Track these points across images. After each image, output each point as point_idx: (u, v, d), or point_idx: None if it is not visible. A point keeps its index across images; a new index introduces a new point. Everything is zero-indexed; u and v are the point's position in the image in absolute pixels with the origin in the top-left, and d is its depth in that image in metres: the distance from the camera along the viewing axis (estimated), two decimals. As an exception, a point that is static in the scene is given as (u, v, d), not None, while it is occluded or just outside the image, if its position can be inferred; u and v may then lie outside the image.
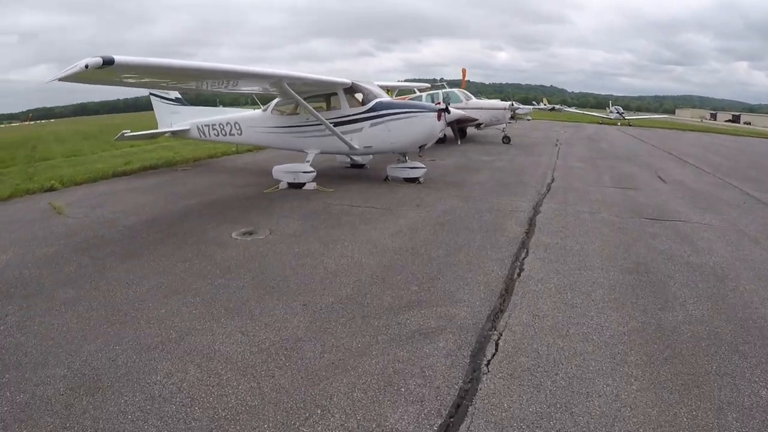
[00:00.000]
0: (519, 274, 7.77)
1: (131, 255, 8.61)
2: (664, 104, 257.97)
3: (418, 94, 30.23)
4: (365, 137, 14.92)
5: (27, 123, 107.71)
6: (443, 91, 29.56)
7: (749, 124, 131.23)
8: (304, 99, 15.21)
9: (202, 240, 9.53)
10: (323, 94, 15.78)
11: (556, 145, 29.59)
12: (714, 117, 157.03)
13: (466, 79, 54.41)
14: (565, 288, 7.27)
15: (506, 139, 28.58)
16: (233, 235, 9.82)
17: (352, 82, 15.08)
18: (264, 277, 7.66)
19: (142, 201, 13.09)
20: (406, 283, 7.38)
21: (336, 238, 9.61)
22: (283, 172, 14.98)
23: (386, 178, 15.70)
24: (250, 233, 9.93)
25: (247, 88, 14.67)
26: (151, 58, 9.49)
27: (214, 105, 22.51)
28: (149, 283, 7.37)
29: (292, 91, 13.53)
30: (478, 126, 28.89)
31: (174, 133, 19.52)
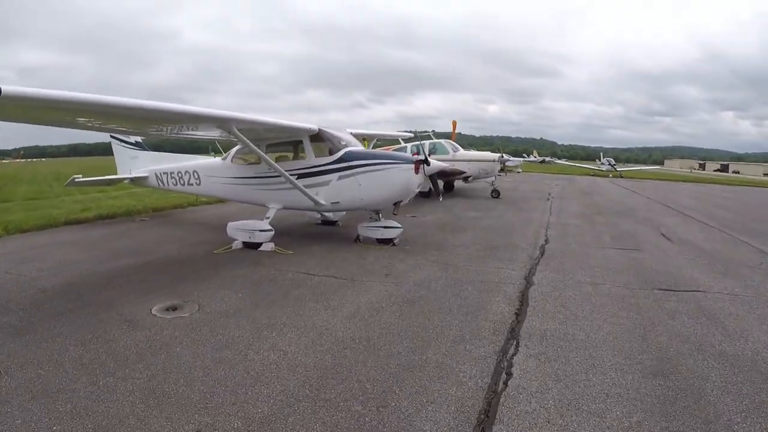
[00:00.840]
0: (506, 384, 5.64)
1: (24, 330, 7.07)
2: (653, 155, 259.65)
3: (402, 144, 28.44)
4: (332, 192, 13.06)
5: (17, 161, 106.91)
6: (429, 141, 27.77)
7: (738, 173, 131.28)
8: (267, 147, 13.61)
9: (114, 315, 7.65)
10: (287, 141, 13.93)
11: (548, 199, 27.76)
12: (703, 167, 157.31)
13: (456, 131, 53.20)
14: (569, 406, 5.17)
15: (495, 193, 26.70)
16: (153, 310, 7.89)
17: (319, 129, 13.23)
18: (164, 378, 5.63)
19: (75, 258, 11.48)
20: (348, 398, 5.26)
21: (275, 321, 7.55)
22: (238, 230, 13.04)
23: (357, 239, 13.71)
24: (174, 309, 7.99)
25: (198, 134, 12.71)
26: (46, 90, 7.58)
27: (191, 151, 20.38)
28: (23, 376, 5.61)
29: (244, 137, 11.66)
30: (465, 179, 27.06)
31: (133, 180, 17.85)
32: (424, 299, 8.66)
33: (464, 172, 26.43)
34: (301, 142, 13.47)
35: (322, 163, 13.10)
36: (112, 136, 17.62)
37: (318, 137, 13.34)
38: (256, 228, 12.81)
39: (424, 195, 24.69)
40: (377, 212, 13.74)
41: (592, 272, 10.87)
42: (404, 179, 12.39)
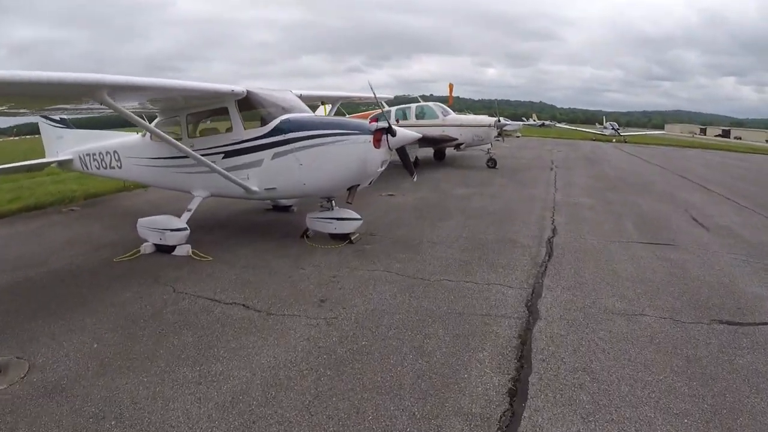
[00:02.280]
0: None
1: None
2: (653, 119, 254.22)
3: (386, 108, 24.77)
4: (266, 175, 9.77)
5: (11, 138, 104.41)
6: (416, 104, 24.14)
7: (739, 138, 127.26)
8: (188, 118, 10.43)
9: None
10: (211, 110, 10.57)
11: (552, 168, 24.22)
12: (704, 132, 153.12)
13: (453, 94, 49.41)
14: None
15: (491, 163, 23.17)
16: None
17: (248, 91, 9.74)
18: None
19: None
20: None
21: (107, 409, 4.33)
22: (148, 229, 9.78)
23: (305, 233, 10.45)
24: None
25: (71, 107, 9.31)
26: None
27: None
28: None
29: (122, 107, 8.16)
30: (457, 147, 23.52)
31: (60, 164, 14.37)
32: (363, 358, 5.37)
33: (456, 139, 22.90)
34: (227, 109, 9.93)
35: (252, 136, 9.75)
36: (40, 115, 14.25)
37: (248, 103, 9.94)
38: (168, 226, 9.55)
39: (438, 157, 21.36)
40: (329, 199, 10.28)
41: (623, 290, 7.56)
42: (359, 155, 9.08)
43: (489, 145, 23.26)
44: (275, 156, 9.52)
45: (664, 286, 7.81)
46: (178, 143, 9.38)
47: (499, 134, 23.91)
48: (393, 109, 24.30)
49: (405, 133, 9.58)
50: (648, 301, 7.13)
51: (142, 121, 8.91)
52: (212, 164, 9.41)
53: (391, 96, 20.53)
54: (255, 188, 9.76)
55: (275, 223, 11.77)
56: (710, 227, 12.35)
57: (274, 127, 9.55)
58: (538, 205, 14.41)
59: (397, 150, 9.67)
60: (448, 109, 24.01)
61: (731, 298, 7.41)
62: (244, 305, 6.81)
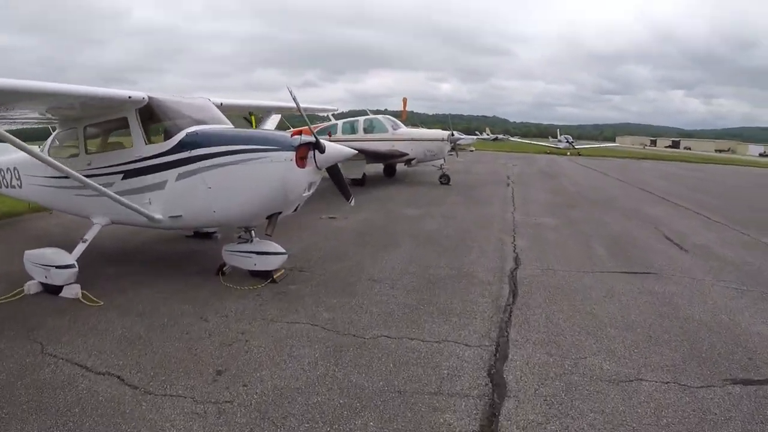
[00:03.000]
0: None
1: None
2: (604, 132, 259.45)
3: (333, 122, 23.11)
4: (171, 199, 7.97)
5: None
6: (365, 117, 22.51)
7: (689, 149, 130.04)
8: (86, 130, 8.71)
9: None
10: (110, 120, 8.63)
11: (508, 184, 22.89)
12: (654, 143, 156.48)
13: (407, 109, 48.03)
14: None
15: (444, 179, 21.64)
16: None
17: (149, 97, 7.89)
18: None
19: None
20: None
21: None
22: (34, 264, 7.77)
23: (221, 269, 8.58)
24: None
25: None
26: None
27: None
28: None
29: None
30: (408, 162, 21.88)
31: None
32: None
33: (406, 154, 21.32)
34: (124, 119, 8.15)
35: (153, 153, 7.95)
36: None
37: (150, 112, 8.17)
38: (54, 263, 7.56)
39: (357, 182, 19.60)
40: (247, 229, 8.49)
41: (609, 341, 6.05)
42: (278, 177, 7.40)
43: (442, 161, 21.75)
44: (180, 177, 7.73)
45: (657, 333, 6.30)
46: (53, 160, 7.55)
47: (453, 149, 22.42)
48: (340, 122, 22.71)
49: (336, 148, 7.85)
50: (642, 358, 5.58)
51: (6, 134, 6.97)
52: (101, 187, 7.60)
53: (336, 109, 18.70)
54: (158, 215, 7.96)
55: (191, 255, 9.88)
56: (687, 248, 11.13)
57: (179, 141, 7.76)
58: (497, 226, 12.88)
59: (327, 169, 7.93)
60: (399, 122, 22.49)
61: (738, 345, 6.02)
62: (119, 377, 4.99)
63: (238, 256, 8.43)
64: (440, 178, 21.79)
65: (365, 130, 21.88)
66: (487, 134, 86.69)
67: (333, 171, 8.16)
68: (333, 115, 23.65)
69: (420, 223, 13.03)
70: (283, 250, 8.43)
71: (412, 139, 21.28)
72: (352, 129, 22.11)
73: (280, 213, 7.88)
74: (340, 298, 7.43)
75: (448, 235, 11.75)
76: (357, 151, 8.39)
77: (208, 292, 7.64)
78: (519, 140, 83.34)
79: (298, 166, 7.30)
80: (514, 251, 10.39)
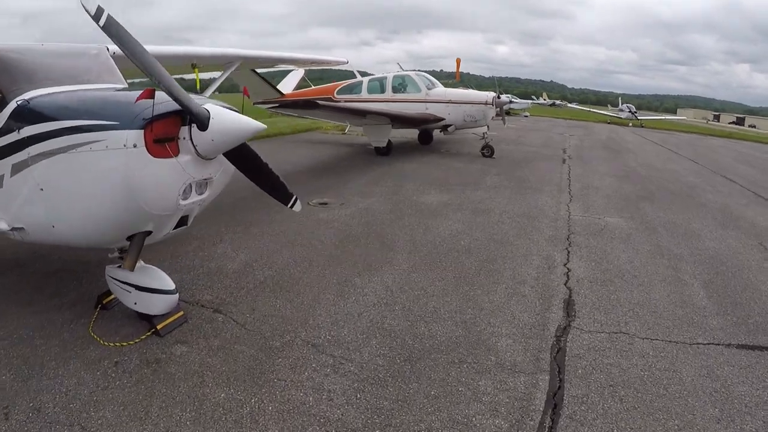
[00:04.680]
0: None
1: None
2: (665, 103, 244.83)
3: (358, 79, 19.06)
4: (9, 203, 4.64)
5: None
6: (394, 73, 18.32)
7: (754, 126, 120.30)
8: None
9: None
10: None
11: (564, 160, 18.37)
12: (717, 119, 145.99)
13: (460, 70, 43.71)
14: None
15: (487, 151, 17.38)
16: None
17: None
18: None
19: None
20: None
21: None
22: None
23: (100, 301, 5.21)
24: None
25: None
26: None
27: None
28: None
29: None
30: (444, 129, 17.67)
31: None
32: None
33: (442, 119, 17.15)
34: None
35: None
36: None
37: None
38: None
39: (380, 152, 15.66)
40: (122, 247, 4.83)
41: None
42: (120, 176, 3.97)
43: (485, 128, 17.43)
44: (14, 170, 4.45)
45: None
46: None
47: (499, 114, 18.03)
48: (366, 79, 18.70)
49: (233, 121, 3.99)
50: None
51: None
52: None
53: (346, 60, 14.34)
54: (3, 225, 4.63)
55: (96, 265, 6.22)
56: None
57: (10, 114, 4.46)
58: (545, 230, 8.79)
59: (231, 157, 4.11)
60: (435, 81, 18.16)
61: None
62: None
63: (117, 285, 4.97)
64: (482, 149, 17.58)
65: (394, 90, 17.79)
66: (544, 99, 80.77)
67: (243, 159, 4.33)
68: (358, 71, 19.63)
69: (437, 221, 9.04)
70: (172, 287, 4.90)
71: (450, 102, 17.05)
72: (381, 87, 18.04)
73: (146, 233, 4.14)
74: (237, 388, 3.88)
75: (470, 246, 7.74)
76: (265, 126, 4.33)
77: (59, 345, 4.45)
78: (577, 107, 77.20)
79: (154, 155, 3.51)
80: (565, 284, 6.38)
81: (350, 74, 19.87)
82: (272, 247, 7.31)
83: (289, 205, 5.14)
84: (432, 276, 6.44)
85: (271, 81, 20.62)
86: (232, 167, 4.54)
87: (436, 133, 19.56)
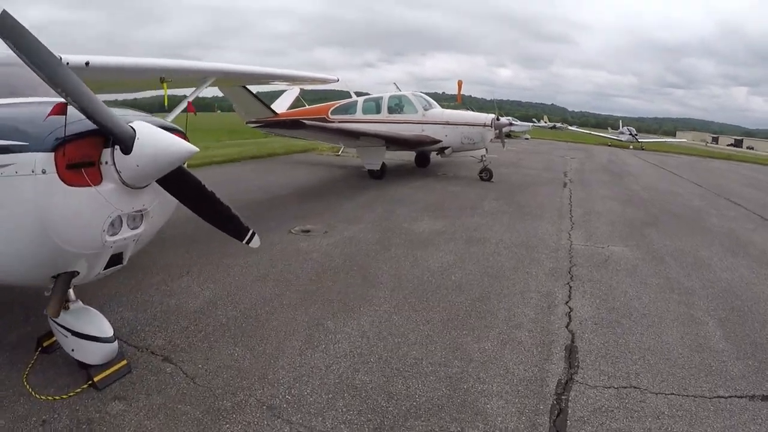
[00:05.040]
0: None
1: None
2: (664, 126, 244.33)
3: (353, 98, 18.44)
4: None
5: None
6: (390, 94, 17.65)
7: (752, 148, 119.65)
8: None
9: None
10: None
11: (565, 184, 17.60)
12: (716, 141, 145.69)
13: (462, 92, 43.42)
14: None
15: (486, 174, 16.62)
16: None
17: None
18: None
19: None
20: None
21: None
22: None
23: (41, 343, 4.48)
24: None
25: None
26: None
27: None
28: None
29: None
30: (441, 151, 16.95)
31: None
32: None
33: (439, 141, 16.42)
34: None
35: None
36: None
37: None
38: None
39: (374, 175, 14.97)
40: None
41: None
42: (31, 207, 3.27)
43: (483, 151, 16.70)
44: None
45: None
46: None
47: (498, 136, 17.32)
48: (360, 99, 18.02)
49: (162, 143, 3.19)
50: None
51: None
52: None
53: (337, 79, 13.48)
54: None
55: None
56: None
57: None
58: (545, 262, 7.99)
59: (170, 189, 3.35)
60: (432, 102, 17.50)
61: None
62: None
63: (55, 328, 4.26)
64: (480, 172, 16.83)
65: (390, 110, 17.12)
66: (545, 122, 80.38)
67: (182, 188, 3.58)
68: (355, 93, 19.02)
69: (427, 252, 8.26)
70: (110, 334, 4.19)
71: (447, 123, 16.37)
72: (376, 108, 17.37)
73: (72, 274, 3.40)
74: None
75: (462, 282, 6.95)
76: (197, 149, 3.55)
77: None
78: (578, 129, 76.69)
79: (68, 182, 2.80)
80: (567, 327, 5.58)
81: (347, 94, 19.24)
82: (242, 282, 6.53)
83: (245, 241, 4.37)
84: (416, 318, 5.65)
85: (267, 101, 20.04)
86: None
87: (434, 156, 18.82)
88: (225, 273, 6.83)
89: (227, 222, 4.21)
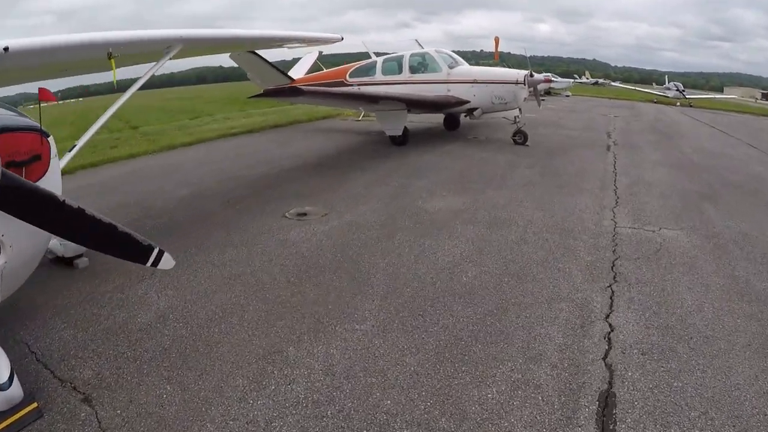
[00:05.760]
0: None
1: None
2: (711, 81, 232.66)
3: (372, 59, 16.82)
4: None
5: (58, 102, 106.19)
6: (411, 53, 15.92)
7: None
8: None
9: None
10: None
11: (609, 147, 15.70)
12: (766, 97, 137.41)
13: (499, 50, 41.57)
14: None
15: (520, 138, 14.89)
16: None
17: None
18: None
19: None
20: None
21: None
22: None
23: None
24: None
25: None
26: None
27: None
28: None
29: None
30: (470, 113, 15.24)
31: None
32: None
33: (467, 102, 14.73)
34: None
35: None
36: None
37: None
38: None
39: (396, 141, 13.51)
40: None
41: None
42: None
43: (517, 111, 14.90)
44: None
45: None
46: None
47: (534, 94, 15.50)
48: (380, 59, 16.39)
49: None
50: None
51: None
52: None
53: (341, 37, 11.43)
54: None
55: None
56: None
57: None
58: (581, 255, 6.48)
59: (21, 213, 2.10)
60: (459, 58, 15.71)
61: None
62: None
63: None
64: (514, 135, 15.09)
65: (412, 70, 15.44)
66: (586, 78, 76.48)
67: (36, 209, 2.34)
68: (375, 53, 17.32)
69: (438, 240, 6.83)
70: (4, 379, 3.38)
71: (475, 81, 14.60)
72: (397, 68, 15.71)
73: None
74: None
75: (473, 285, 5.52)
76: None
77: None
78: (621, 86, 72.77)
79: None
80: (604, 359, 4.12)
81: (366, 56, 17.60)
82: (206, 287, 5.28)
83: (149, 263, 3.07)
84: (404, 344, 4.28)
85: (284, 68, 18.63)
86: None
87: (466, 117, 17.11)
88: (191, 274, 5.60)
89: (119, 245, 2.94)
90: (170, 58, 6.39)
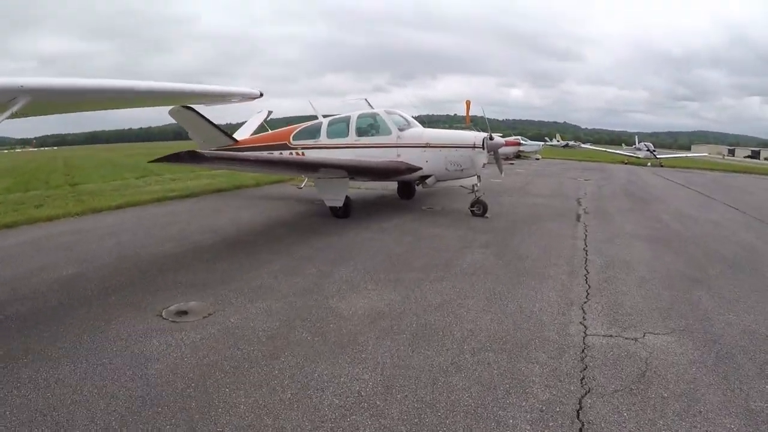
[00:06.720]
0: None
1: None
2: (678, 140, 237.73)
3: (318, 120, 15.08)
4: None
5: (33, 149, 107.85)
6: (359, 114, 14.19)
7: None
8: None
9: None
10: None
11: (579, 216, 13.87)
12: (732, 153, 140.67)
13: (471, 114, 41.03)
14: None
15: (478, 208, 13.02)
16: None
17: None
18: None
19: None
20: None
21: None
22: None
23: None
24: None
25: None
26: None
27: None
28: None
29: None
30: (422, 180, 13.37)
31: None
32: None
33: (418, 168, 12.88)
34: None
35: None
36: None
37: None
38: None
39: (336, 213, 11.59)
40: None
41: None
42: None
43: (475, 179, 13.08)
44: None
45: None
46: None
47: (496, 158, 13.76)
48: (325, 121, 14.61)
49: None
50: None
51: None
52: None
53: (260, 93, 9.59)
54: None
55: None
56: None
57: None
58: (535, 390, 4.51)
59: None
60: (412, 120, 13.99)
61: None
62: None
63: None
64: (472, 205, 13.23)
65: (359, 132, 13.68)
66: (558, 140, 76.46)
67: None
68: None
69: (336, 366, 4.81)
70: None
71: (427, 145, 12.84)
72: (345, 130, 13.93)
73: None
74: None
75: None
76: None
77: None
78: (591, 147, 72.65)
79: None
80: None
81: (315, 116, 15.89)
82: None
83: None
84: None
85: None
86: None
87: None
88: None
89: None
90: (15, 110, 4.44)
